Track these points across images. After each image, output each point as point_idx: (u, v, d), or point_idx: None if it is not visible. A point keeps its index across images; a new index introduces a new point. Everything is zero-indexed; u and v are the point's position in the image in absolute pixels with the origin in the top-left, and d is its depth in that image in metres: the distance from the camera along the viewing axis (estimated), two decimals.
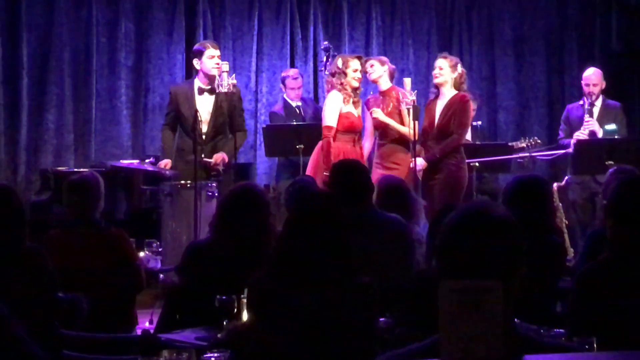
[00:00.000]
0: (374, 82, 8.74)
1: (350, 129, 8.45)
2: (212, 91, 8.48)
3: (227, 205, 4.89)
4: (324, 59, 9.32)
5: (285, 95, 10.00)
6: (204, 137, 8.39)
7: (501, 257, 2.34)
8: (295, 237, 3.70)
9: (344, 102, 8.44)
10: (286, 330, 3.53)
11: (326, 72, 9.13)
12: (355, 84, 8.53)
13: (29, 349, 2.69)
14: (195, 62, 8.58)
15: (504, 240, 2.36)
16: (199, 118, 8.14)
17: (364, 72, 8.66)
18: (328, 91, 8.62)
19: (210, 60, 8.44)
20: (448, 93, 8.39)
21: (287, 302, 3.58)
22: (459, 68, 8.44)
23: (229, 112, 8.48)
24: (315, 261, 3.61)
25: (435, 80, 8.45)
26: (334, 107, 8.44)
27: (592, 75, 9.32)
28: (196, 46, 8.88)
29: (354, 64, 8.54)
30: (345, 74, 8.48)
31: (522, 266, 2.38)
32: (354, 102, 8.52)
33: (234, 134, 8.46)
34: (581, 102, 9.37)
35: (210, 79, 8.47)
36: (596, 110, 9.25)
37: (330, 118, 8.42)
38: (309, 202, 3.90)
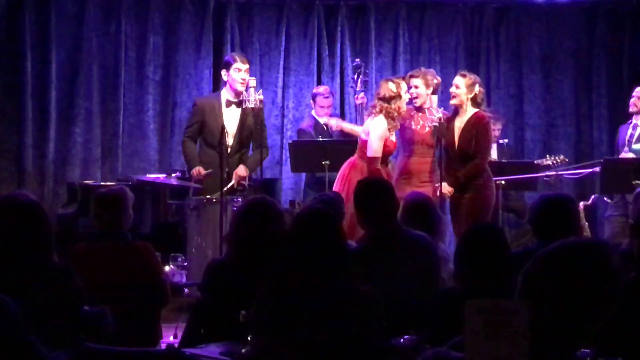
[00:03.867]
0: (417, 105, 8.59)
1: (386, 155, 8.40)
2: (239, 104, 8.48)
3: (240, 220, 4.91)
4: (355, 76, 9.30)
5: (313, 112, 9.99)
6: (229, 150, 8.36)
7: (597, 300, 2.36)
8: (292, 253, 3.76)
9: (389, 131, 8.33)
10: (295, 347, 3.56)
11: (357, 89, 9.11)
12: (405, 107, 8.41)
13: (39, 352, 2.70)
14: (223, 73, 8.57)
15: (608, 287, 2.38)
16: (226, 131, 8.15)
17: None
18: (372, 115, 8.39)
19: (237, 73, 8.42)
20: (467, 111, 8.29)
21: (291, 318, 3.61)
22: (477, 88, 8.30)
23: (253, 127, 8.47)
24: (313, 276, 3.65)
25: (452, 102, 8.32)
26: (381, 137, 8.26)
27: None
28: (226, 57, 8.89)
29: (405, 86, 8.36)
30: (401, 97, 8.33)
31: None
32: (391, 128, 8.43)
33: (261, 150, 8.46)
34: (629, 122, 9.31)
35: (236, 92, 8.47)
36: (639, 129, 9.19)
37: (377, 149, 8.24)
38: (304, 219, 3.96)
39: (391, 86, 8.31)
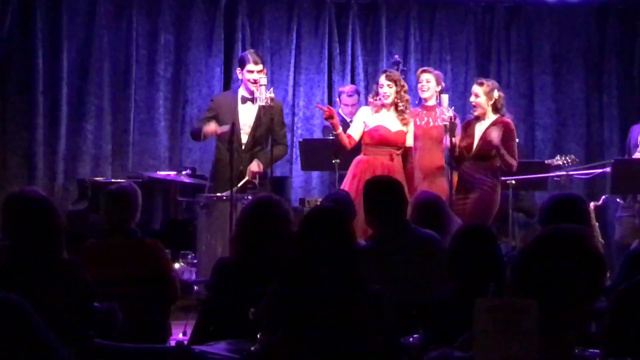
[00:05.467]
0: (424, 99, 8.72)
1: (381, 142, 8.40)
2: (254, 101, 8.49)
3: (245, 219, 4.91)
4: None
5: (340, 111, 10.02)
6: (243, 146, 8.42)
7: (585, 285, 2.35)
8: (301, 250, 3.77)
9: (372, 111, 8.46)
10: (305, 345, 3.57)
11: None
12: (387, 100, 8.45)
13: (54, 346, 2.70)
14: (238, 71, 8.65)
15: (590, 270, 2.36)
16: (240, 128, 8.27)
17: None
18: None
19: (249, 74, 8.45)
20: (488, 117, 8.35)
21: (301, 316, 3.62)
22: (495, 93, 8.36)
23: (269, 125, 8.47)
24: (323, 275, 3.66)
25: (475, 113, 8.39)
26: (357, 119, 8.59)
27: None
28: (241, 55, 8.92)
29: (380, 79, 8.54)
30: (376, 92, 8.52)
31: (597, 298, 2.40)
32: (401, 120, 8.47)
33: (273, 146, 8.46)
34: None
35: (250, 90, 8.50)
36: None
37: (352, 127, 8.59)
38: (314, 217, 3.97)
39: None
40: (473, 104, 8.39)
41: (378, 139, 8.39)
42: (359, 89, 10.93)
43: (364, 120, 8.48)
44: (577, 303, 2.31)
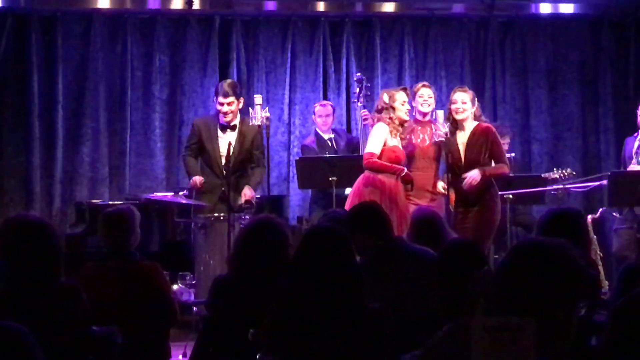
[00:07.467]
0: (424, 113, 8.67)
1: (396, 162, 8.38)
2: (233, 127, 8.60)
3: (244, 239, 4.91)
4: (357, 90, 9.34)
5: (317, 128, 10.02)
6: (224, 172, 8.48)
7: (563, 296, 2.34)
8: (302, 271, 3.77)
9: (391, 134, 8.38)
10: None
11: (359, 104, 9.12)
12: (405, 117, 8.42)
13: None
14: (214, 99, 8.79)
15: (571, 282, 2.36)
16: (220, 155, 8.60)
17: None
18: (371, 125, 8.56)
19: (219, 106, 8.65)
20: (468, 126, 8.31)
21: (301, 335, 3.62)
22: (476, 101, 8.41)
23: (249, 149, 8.60)
24: (322, 295, 3.66)
25: (459, 116, 8.29)
26: (380, 137, 8.35)
27: None
28: (217, 84, 9.07)
29: (401, 96, 8.43)
30: (394, 108, 8.40)
31: (577, 309, 2.39)
32: (400, 137, 8.45)
33: (254, 169, 8.62)
34: (635, 135, 9.28)
35: (222, 120, 8.64)
36: None
37: (373, 145, 8.34)
38: (313, 237, 3.98)
39: (384, 97, 8.45)
40: (460, 110, 8.31)
41: (394, 159, 8.34)
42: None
43: (385, 138, 8.38)
44: (558, 315, 2.30)
